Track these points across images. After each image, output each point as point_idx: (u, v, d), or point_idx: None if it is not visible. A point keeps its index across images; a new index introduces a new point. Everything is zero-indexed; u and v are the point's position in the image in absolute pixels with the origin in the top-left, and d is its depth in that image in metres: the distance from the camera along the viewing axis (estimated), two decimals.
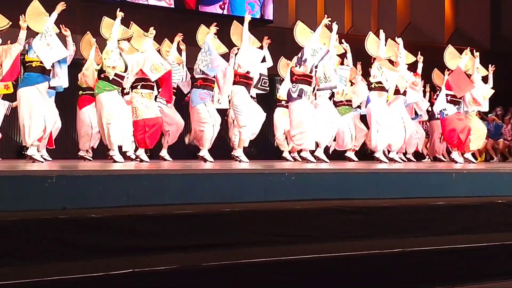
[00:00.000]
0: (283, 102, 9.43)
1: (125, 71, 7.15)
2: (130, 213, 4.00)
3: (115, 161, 7.01)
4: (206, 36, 7.95)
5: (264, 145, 10.80)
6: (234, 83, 7.84)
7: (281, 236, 4.36)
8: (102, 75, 7.10)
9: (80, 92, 8.79)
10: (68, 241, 3.72)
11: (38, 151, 6.88)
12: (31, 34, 6.85)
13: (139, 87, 7.53)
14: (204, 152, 7.81)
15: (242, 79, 7.89)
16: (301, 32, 8.15)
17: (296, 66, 7.86)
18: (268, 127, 9.34)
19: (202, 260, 3.82)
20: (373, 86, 8.41)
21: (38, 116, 6.64)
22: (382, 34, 8.47)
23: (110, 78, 7.04)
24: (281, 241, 4.32)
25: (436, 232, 4.81)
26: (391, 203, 4.93)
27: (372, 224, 4.65)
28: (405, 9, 15.34)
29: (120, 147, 7.18)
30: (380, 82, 8.29)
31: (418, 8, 15.34)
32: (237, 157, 7.90)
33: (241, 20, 8.15)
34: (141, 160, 7.35)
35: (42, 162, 6.35)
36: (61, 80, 7.00)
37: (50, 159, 7.62)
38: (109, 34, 7.22)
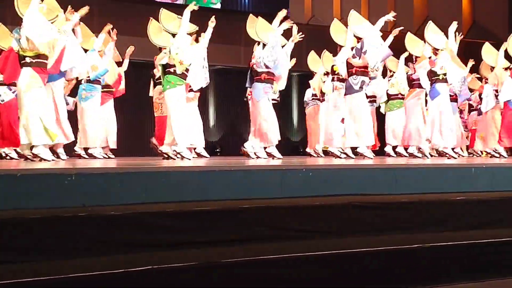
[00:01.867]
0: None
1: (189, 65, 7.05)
2: (149, 210, 4.02)
3: (183, 158, 6.88)
4: (268, 31, 7.71)
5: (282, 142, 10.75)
6: (260, 80, 7.61)
7: (299, 232, 4.36)
8: (171, 69, 6.97)
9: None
10: (87, 239, 3.74)
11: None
12: None
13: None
14: (272, 149, 7.58)
15: (270, 77, 7.66)
16: (355, 21, 7.94)
17: (354, 57, 7.66)
18: (285, 124, 9.33)
19: (220, 256, 3.84)
20: (440, 77, 8.13)
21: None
22: (453, 25, 8.21)
23: (179, 73, 6.95)
24: (299, 237, 4.32)
25: (455, 227, 4.78)
26: (410, 199, 4.90)
27: (390, 220, 4.64)
28: (422, 3, 15.23)
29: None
30: (445, 74, 8.10)
31: (435, 2, 15.22)
32: (269, 153, 7.70)
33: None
34: (182, 157, 7.00)
35: (50, 160, 6.14)
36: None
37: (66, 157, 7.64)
38: (174, 28, 7.13)
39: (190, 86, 7.62)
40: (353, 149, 8.00)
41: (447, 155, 8.13)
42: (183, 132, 6.92)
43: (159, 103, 7.99)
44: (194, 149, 8.47)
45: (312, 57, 9.66)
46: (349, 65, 7.71)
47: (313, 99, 10.10)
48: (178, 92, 6.94)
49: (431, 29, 8.26)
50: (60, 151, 7.09)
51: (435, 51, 8.25)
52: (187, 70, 7.05)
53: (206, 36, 7.32)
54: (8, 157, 7.82)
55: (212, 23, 7.33)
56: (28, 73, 6.11)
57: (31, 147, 6.24)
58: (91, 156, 8.46)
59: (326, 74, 9.48)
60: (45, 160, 6.07)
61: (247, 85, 7.96)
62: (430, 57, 8.36)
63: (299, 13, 13.59)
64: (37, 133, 6.02)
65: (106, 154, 8.78)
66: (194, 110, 8.38)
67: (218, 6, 11.84)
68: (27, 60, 6.12)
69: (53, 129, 6.15)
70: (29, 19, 6.09)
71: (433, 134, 8.12)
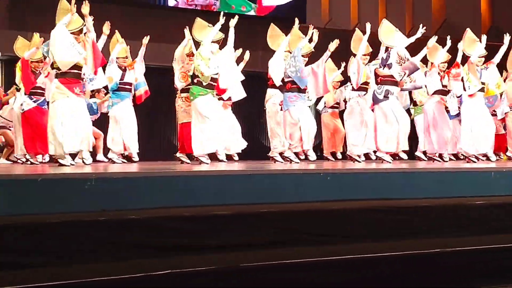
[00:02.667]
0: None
1: (215, 74, 7.02)
2: (167, 214, 4.04)
3: (202, 162, 6.90)
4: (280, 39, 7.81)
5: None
6: (286, 90, 7.67)
7: (317, 236, 4.35)
8: (195, 80, 6.99)
9: None
10: (107, 243, 3.77)
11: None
12: None
13: (179, 91, 7.60)
14: (289, 153, 7.67)
15: (296, 85, 7.64)
16: (386, 31, 7.93)
17: (380, 67, 7.75)
18: None
19: (237, 261, 3.84)
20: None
21: None
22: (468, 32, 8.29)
23: (205, 84, 6.92)
24: (317, 241, 4.31)
25: (476, 231, 4.73)
26: (429, 203, 4.87)
27: (410, 224, 4.60)
28: (440, 7, 15.14)
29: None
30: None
31: (453, 5, 15.13)
32: (287, 157, 7.76)
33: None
34: (201, 162, 7.01)
35: (69, 165, 6.26)
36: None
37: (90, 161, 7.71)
38: (201, 37, 7.13)
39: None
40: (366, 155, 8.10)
41: (472, 158, 8.13)
42: (201, 140, 6.94)
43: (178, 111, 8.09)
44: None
45: (327, 65, 9.68)
46: (376, 74, 7.81)
47: (331, 106, 10.11)
48: (201, 102, 6.94)
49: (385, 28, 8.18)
50: (86, 155, 7.10)
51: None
52: (214, 80, 7.05)
53: (230, 39, 7.27)
54: (28, 162, 7.91)
55: (233, 21, 7.22)
56: (55, 84, 6.37)
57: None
58: (111, 160, 8.58)
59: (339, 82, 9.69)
60: (64, 165, 6.21)
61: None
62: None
63: (316, 17, 13.57)
64: (52, 143, 6.30)
65: (123, 158, 8.88)
66: (229, 116, 8.62)
67: (252, 13, 11.98)
68: (56, 71, 6.38)
69: (68, 139, 6.27)
70: (56, 38, 6.25)
71: (464, 140, 8.11)
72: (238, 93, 8.44)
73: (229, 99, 8.62)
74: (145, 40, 8.31)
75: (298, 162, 7.54)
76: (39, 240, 3.61)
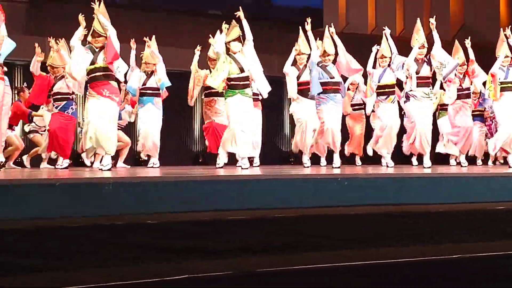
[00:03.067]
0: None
1: (241, 72, 7.01)
2: (185, 219, 4.04)
3: (243, 168, 6.98)
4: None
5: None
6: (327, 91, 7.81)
7: (335, 241, 4.32)
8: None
9: None
10: (124, 247, 3.78)
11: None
12: None
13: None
14: (337, 160, 7.89)
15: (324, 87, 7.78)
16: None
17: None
18: None
19: (255, 266, 3.83)
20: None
21: None
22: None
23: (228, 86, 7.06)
24: (334, 246, 4.29)
25: (496, 237, 4.68)
26: (448, 208, 4.82)
27: (429, 230, 4.56)
28: (458, 10, 15.04)
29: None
30: None
31: (471, 9, 15.01)
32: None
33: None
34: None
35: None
36: None
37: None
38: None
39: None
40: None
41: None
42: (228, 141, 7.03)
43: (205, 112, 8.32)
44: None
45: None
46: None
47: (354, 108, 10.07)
48: (229, 103, 7.03)
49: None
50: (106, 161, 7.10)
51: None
52: (241, 79, 7.05)
53: (245, 29, 7.21)
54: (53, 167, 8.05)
55: (240, 13, 7.14)
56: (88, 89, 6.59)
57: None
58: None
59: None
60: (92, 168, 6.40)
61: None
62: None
63: (333, 22, 13.53)
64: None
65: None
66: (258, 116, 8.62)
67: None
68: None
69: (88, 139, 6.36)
70: (73, 52, 6.48)
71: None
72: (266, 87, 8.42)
73: (258, 99, 8.49)
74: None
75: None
76: (56, 243, 3.63)
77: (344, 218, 4.46)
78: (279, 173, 5.96)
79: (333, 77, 7.72)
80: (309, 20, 7.79)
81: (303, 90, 7.84)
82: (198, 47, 8.36)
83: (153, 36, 8.36)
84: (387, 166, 7.92)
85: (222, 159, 7.03)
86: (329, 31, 7.91)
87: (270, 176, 5.30)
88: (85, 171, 6.21)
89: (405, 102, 7.90)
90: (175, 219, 4.01)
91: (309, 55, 7.78)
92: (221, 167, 6.90)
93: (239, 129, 6.89)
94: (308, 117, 7.78)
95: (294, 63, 7.93)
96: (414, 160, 9.34)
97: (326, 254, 4.15)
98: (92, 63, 6.36)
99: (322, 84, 7.69)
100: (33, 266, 3.47)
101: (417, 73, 7.65)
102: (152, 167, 8.58)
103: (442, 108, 9.55)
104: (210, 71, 7.85)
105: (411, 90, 7.65)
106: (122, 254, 3.74)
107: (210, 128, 8.13)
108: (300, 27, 7.77)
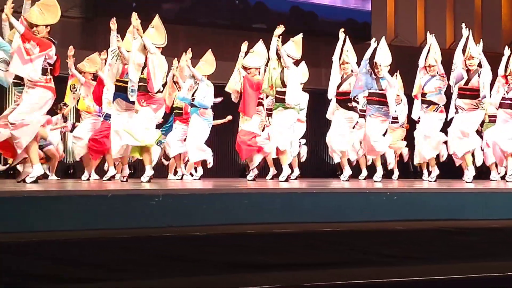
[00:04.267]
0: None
1: (283, 87, 7.21)
2: (232, 231, 4.05)
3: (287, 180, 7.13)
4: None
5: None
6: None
7: (383, 257, 4.26)
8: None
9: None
10: (173, 259, 3.81)
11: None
12: None
13: None
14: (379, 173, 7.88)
15: (371, 97, 7.76)
16: None
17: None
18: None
19: (302, 280, 3.80)
20: None
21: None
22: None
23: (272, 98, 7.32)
24: (383, 262, 4.23)
25: None
26: (501, 225, 4.69)
27: (481, 246, 4.45)
28: (509, 20, 14.70)
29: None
30: None
31: None
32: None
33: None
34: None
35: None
36: None
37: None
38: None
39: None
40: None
41: None
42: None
43: None
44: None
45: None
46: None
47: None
48: (278, 115, 7.12)
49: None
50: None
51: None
52: (280, 93, 7.14)
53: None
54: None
55: (279, 29, 7.29)
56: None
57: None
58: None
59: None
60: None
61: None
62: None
63: (382, 34, 13.45)
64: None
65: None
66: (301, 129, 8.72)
67: None
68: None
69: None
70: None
71: None
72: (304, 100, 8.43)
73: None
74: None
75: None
76: (106, 255, 3.69)
77: (393, 233, 4.38)
78: (325, 186, 5.93)
79: (382, 89, 7.59)
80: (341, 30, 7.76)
81: (342, 100, 7.75)
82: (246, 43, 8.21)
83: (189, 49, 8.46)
84: (430, 180, 7.67)
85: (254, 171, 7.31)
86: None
87: (316, 190, 5.27)
88: (130, 182, 6.30)
89: (454, 113, 7.76)
90: (223, 232, 4.02)
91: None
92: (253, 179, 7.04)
93: (278, 142, 7.02)
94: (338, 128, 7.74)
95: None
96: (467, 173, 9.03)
97: (375, 269, 4.09)
98: (141, 73, 6.55)
99: (370, 94, 7.59)
100: (82, 277, 3.54)
101: (466, 84, 7.50)
102: (195, 178, 8.66)
103: (490, 120, 9.32)
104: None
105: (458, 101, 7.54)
106: (171, 266, 3.78)
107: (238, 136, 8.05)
108: (341, 37, 7.69)
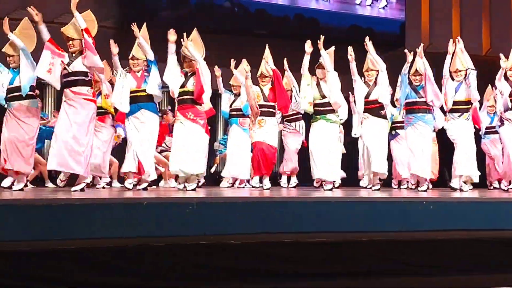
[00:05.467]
0: None
1: (323, 98, 7.08)
2: (267, 240, 4.04)
3: (331, 189, 7.00)
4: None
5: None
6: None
7: (420, 267, 4.20)
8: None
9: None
10: (208, 267, 3.82)
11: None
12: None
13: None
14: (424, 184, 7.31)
15: (410, 107, 7.41)
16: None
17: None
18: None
19: None
20: None
21: None
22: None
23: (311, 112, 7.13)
24: (420, 272, 4.17)
25: None
26: None
27: None
28: None
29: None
30: None
31: None
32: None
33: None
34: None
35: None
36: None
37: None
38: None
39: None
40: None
41: None
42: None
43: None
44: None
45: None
46: None
47: None
48: (311, 129, 7.11)
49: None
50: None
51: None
52: (322, 104, 7.09)
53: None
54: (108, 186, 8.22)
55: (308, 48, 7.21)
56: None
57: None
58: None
59: None
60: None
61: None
62: None
63: (416, 41, 13.28)
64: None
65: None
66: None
67: None
68: (175, 100, 6.62)
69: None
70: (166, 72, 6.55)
71: None
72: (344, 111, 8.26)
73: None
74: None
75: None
76: (142, 262, 3.71)
77: (430, 244, 4.32)
78: (359, 195, 5.87)
79: (422, 97, 7.44)
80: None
81: (374, 109, 7.35)
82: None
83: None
84: (461, 190, 7.21)
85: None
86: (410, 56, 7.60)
87: (352, 199, 5.23)
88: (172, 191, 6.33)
89: (499, 126, 7.58)
90: (257, 240, 4.02)
91: (378, 72, 7.45)
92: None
93: (320, 153, 6.91)
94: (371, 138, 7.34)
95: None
96: (502, 185, 8.77)
97: (411, 279, 4.05)
98: (182, 86, 6.48)
99: (410, 103, 7.39)
100: (117, 283, 3.57)
101: (511, 95, 7.34)
102: (243, 187, 8.43)
103: None
104: (261, 89, 7.74)
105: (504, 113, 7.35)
106: (205, 274, 3.78)
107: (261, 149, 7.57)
108: (370, 46, 7.49)
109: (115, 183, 8.55)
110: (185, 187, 6.47)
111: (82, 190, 5.71)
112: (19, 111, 6.18)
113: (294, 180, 8.41)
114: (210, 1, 12.16)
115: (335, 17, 12.85)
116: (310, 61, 7.32)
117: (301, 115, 8.40)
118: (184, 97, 6.46)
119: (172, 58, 6.51)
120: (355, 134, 8.04)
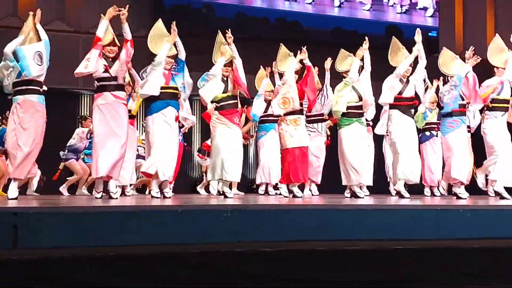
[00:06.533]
0: None
1: (359, 101, 7.00)
2: (301, 248, 4.02)
3: (357, 197, 6.85)
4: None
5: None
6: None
7: (457, 275, 4.13)
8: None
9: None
10: (242, 274, 3.81)
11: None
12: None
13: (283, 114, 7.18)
14: (460, 190, 7.09)
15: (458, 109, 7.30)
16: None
17: None
18: None
19: None
20: None
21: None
22: None
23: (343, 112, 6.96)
24: (456, 281, 4.09)
25: None
26: None
27: None
28: None
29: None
30: None
31: None
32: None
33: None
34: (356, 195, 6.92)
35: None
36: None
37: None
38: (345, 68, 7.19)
39: None
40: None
41: None
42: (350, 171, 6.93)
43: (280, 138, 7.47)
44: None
45: None
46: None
47: None
48: (344, 133, 6.96)
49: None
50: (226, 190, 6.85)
51: None
52: (358, 107, 7.03)
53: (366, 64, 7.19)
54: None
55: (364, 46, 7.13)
56: (215, 116, 6.62)
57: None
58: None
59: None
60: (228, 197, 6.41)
61: None
62: None
63: (450, 46, 13.16)
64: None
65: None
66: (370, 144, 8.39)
67: None
68: (216, 104, 6.62)
69: (228, 168, 6.44)
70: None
71: None
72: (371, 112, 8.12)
73: (369, 124, 8.18)
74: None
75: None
76: (175, 269, 3.73)
77: (467, 252, 4.25)
78: (396, 203, 5.81)
79: (464, 99, 7.34)
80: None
81: (407, 106, 7.04)
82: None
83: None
84: (502, 197, 6.99)
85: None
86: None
87: (386, 206, 5.19)
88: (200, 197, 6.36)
89: None
90: (291, 248, 4.00)
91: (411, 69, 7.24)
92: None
93: (356, 159, 6.85)
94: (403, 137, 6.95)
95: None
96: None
97: None
98: (225, 91, 6.54)
99: (461, 106, 7.22)
100: None
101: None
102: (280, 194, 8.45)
103: None
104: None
105: None
106: (239, 282, 3.78)
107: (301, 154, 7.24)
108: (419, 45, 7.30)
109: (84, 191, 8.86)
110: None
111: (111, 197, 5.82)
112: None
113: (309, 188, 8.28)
114: (187, 5, 11.94)
115: (317, 20, 12.59)
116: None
117: (323, 117, 8.30)
118: (230, 101, 6.50)
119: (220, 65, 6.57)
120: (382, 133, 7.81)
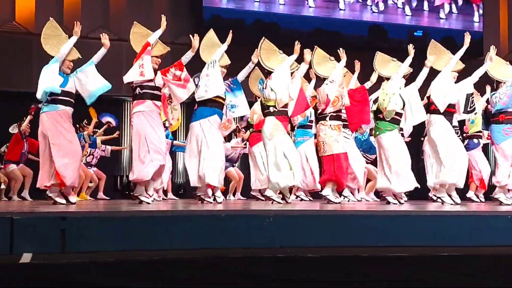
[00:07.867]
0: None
1: (403, 108, 6.87)
2: (344, 254, 4.00)
3: (389, 203, 6.80)
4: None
5: None
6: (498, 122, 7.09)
7: (495, 281, 4.04)
8: (380, 115, 6.89)
9: (251, 129, 8.70)
10: (283, 281, 3.81)
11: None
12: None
13: (327, 118, 6.80)
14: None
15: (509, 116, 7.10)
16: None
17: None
18: None
19: None
20: None
21: None
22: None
23: (388, 119, 6.80)
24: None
25: None
26: None
27: None
28: None
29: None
30: None
31: None
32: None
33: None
34: (329, 201, 6.71)
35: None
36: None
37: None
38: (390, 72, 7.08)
39: None
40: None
41: None
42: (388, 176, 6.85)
43: (321, 143, 7.06)
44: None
45: None
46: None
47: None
48: (387, 138, 6.83)
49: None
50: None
51: None
52: (399, 114, 6.89)
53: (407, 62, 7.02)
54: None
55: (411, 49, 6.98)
56: (272, 121, 6.46)
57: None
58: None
59: None
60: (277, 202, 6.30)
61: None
62: None
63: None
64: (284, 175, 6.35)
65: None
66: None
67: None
68: (271, 109, 6.50)
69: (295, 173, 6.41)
70: (278, 76, 6.52)
71: None
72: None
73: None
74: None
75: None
76: (213, 275, 3.75)
77: (504, 259, 4.16)
78: (426, 208, 5.74)
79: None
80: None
81: (449, 112, 6.86)
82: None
83: None
84: None
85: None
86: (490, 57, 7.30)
87: (417, 212, 5.12)
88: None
89: None
90: (329, 253, 3.99)
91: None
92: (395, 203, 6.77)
93: (402, 166, 6.75)
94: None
95: None
96: None
97: None
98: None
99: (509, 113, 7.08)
100: None
101: None
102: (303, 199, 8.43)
103: None
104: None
105: None
106: (281, 286, 3.78)
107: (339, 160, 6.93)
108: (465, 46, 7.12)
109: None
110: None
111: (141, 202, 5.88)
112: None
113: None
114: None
115: (297, 21, 12.26)
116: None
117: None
118: (286, 108, 6.53)
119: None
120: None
